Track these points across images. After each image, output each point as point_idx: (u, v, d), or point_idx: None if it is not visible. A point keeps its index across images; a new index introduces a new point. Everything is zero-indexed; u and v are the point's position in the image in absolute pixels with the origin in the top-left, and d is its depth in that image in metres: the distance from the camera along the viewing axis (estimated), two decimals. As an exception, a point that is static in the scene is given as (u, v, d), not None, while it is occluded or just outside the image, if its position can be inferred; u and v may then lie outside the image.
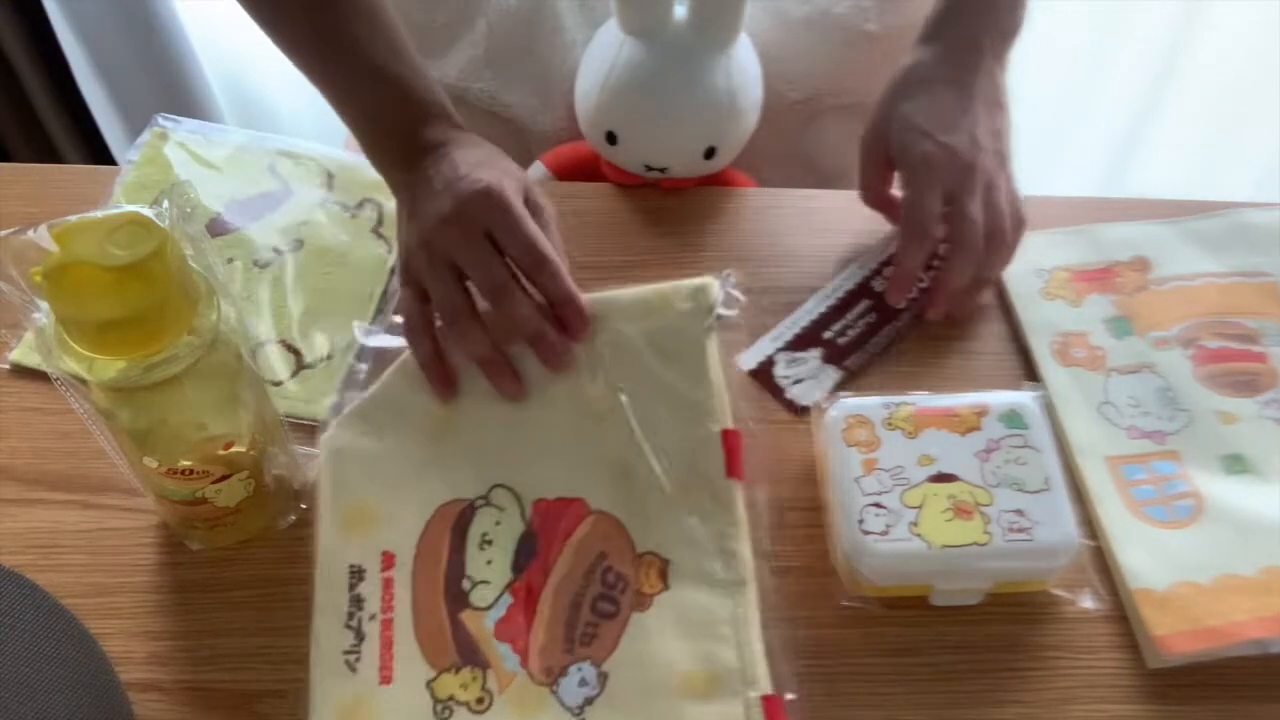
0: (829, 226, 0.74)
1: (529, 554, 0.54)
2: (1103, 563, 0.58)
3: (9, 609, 0.47)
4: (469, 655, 0.52)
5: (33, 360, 0.64)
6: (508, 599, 0.53)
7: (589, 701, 0.50)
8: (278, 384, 0.65)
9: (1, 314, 0.48)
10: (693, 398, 0.56)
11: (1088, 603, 0.56)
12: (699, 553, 0.53)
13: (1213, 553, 0.57)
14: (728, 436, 0.55)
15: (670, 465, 0.55)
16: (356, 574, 0.54)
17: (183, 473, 0.52)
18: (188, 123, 0.79)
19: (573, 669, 0.51)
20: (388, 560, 0.54)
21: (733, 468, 0.55)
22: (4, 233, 0.45)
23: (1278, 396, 0.64)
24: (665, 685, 0.50)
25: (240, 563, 0.57)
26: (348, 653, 0.52)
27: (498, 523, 0.55)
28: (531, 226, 0.56)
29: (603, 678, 0.51)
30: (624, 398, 0.56)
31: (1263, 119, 1.31)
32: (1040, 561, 0.54)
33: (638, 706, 0.50)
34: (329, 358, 0.66)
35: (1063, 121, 1.39)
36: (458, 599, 0.53)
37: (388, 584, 0.54)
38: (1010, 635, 0.55)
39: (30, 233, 0.44)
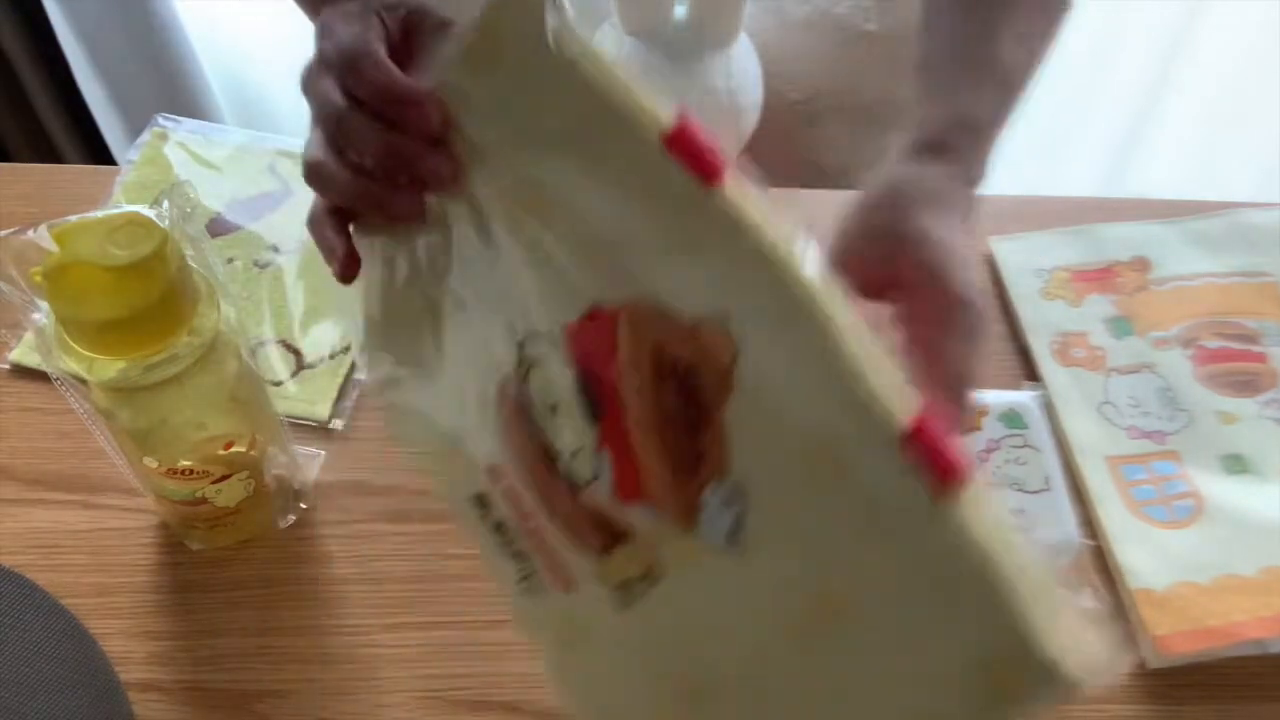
0: (829, 227, 0.74)
1: (593, 395, 0.45)
2: (1103, 563, 0.58)
3: (9, 609, 0.47)
4: (613, 532, 0.45)
5: (33, 360, 0.64)
6: (606, 456, 0.45)
7: (739, 522, 0.41)
8: (278, 384, 0.65)
9: (1, 314, 0.48)
10: (598, 123, 0.42)
11: (1088, 603, 0.56)
12: (743, 286, 0.40)
13: (1213, 553, 0.57)
14: (674, 140, 0.40)
15: (633, 215, 0.42)
16: (482, 503, 0.49)
17: (183, 473, 0.52)
18: (188, 123, 0.79)
19: (706, 496, 0.42)
20: (497, 474, 0.48)
21: (705, 170, 0.40)
22: (4, 233, 0.45)
23: (1278, 396, 0.64)
24: (797, 472, 0.39)
25: (240, 563, 0.57)
26: (523, 579, 0.47)
27: (548, 380, 0.46)
28: (345, 28, 0.46)
29: (738, 490, 0.41)
30: (531, 177, 0.44)
31: (1263, 119, 1.31)
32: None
33: (789, 508, 0.40)
34: (329, 358, 0.66)
35: (1063, 121, 1.40)
36: (570, 484, 0.46)
37: (512, 495, 0.47)
38: (1010, 635, 0.56)
39: (30, 233, 0.44)
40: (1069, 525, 0.54)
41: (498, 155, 0.45)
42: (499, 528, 0.48)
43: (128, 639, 0.55)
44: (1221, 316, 0.68)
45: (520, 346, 0.46)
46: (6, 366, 0.65)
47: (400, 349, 0.51)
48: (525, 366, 0.46)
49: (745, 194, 0.40)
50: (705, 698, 0.45)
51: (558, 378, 0.45)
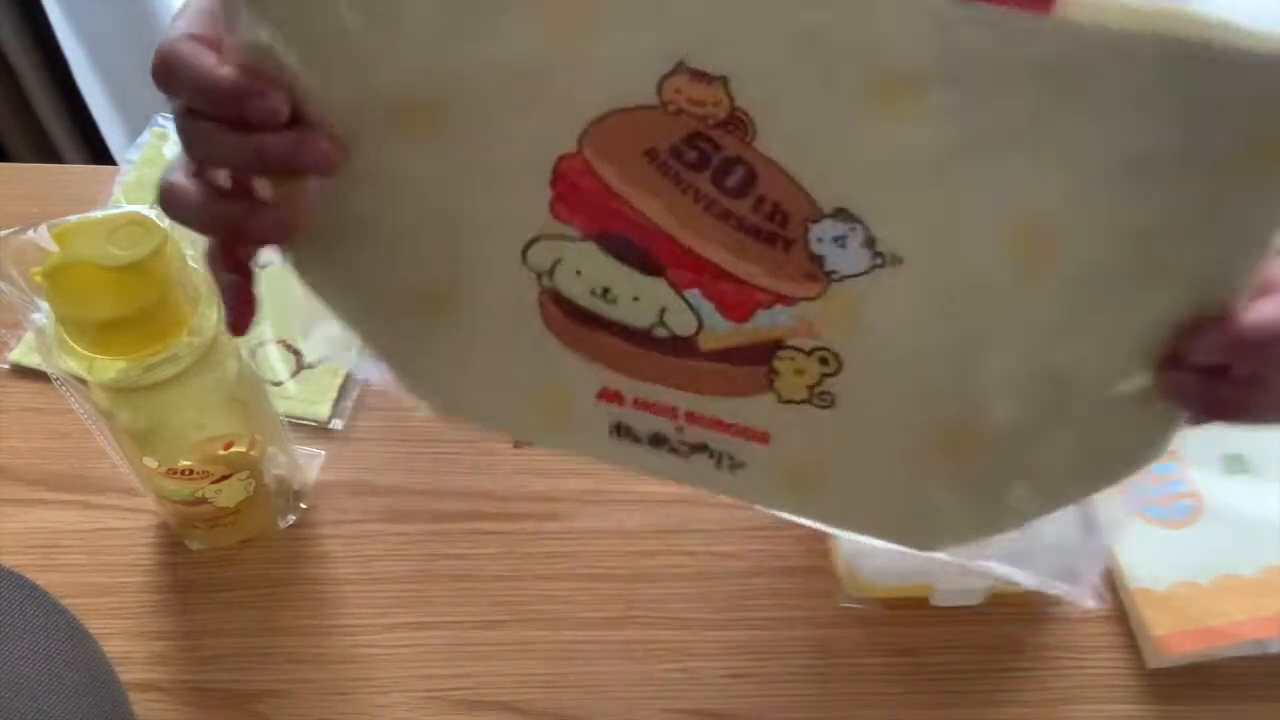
0: None
1: (632, 250, 0.39)
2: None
3: (9, 609, 0.47)
4: (760, 355, 0.40)
5: (33, 360, 0.64)
6: (694, 294, 0.39)
7: (869, 239, 0.36)
8: (278, 384, 0.65)
9: (1, 314, 0.48)
10: None
11: (1088, 603, 0.56)
12: (672, 8, 0.34)
13: (1213, 553, 0.57)
14: None
15: (511, 33, 0.35)
16: (623, 431, 0.44)
17: (183, 473, 0.52)
18: (188, 123, 0.79)
19: (814, 243, 0.36)
20: (613, 395, 0.43)
21: None
22: (4, 233, 0.45)
23: (1278, 396, 0.64)
24: (873, 123, 0.34)
25: (240, 563, 0.57)
26: (719, 465, 0.43)
27: (579, 270, 0.40)
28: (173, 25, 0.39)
29: (841, 212, 0.35)
30: (401, 95, 0.37)
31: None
32: (1040, 561, 0.54)
33: (907, 183, 0.35)
34: (330, 358, 0.66)
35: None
36: (680, 345, 0.41)
37: (644, 405, 0.43)
38: (1010, 635, 0.55)
39: (30, 233, 0.44)
40: (1069, 525, 0.54)
41: (353, 96, 0.37)
42: (658, 440, 0.44)
43: (128, 639, 0.55)
44: (1221, 316, 0.68)
45: (524, 261, 0.41)
46: (6, 366, 0.65)
47: (411, 342, 0.45)
48: (546, 275, 0.41)
49: None
50: (959, 434, 0.40)
51: (587, 261, 0.40)
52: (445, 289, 0.42)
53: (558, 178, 0.38)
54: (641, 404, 0.43)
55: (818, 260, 0.37)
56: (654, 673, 0.54)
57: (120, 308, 0.44)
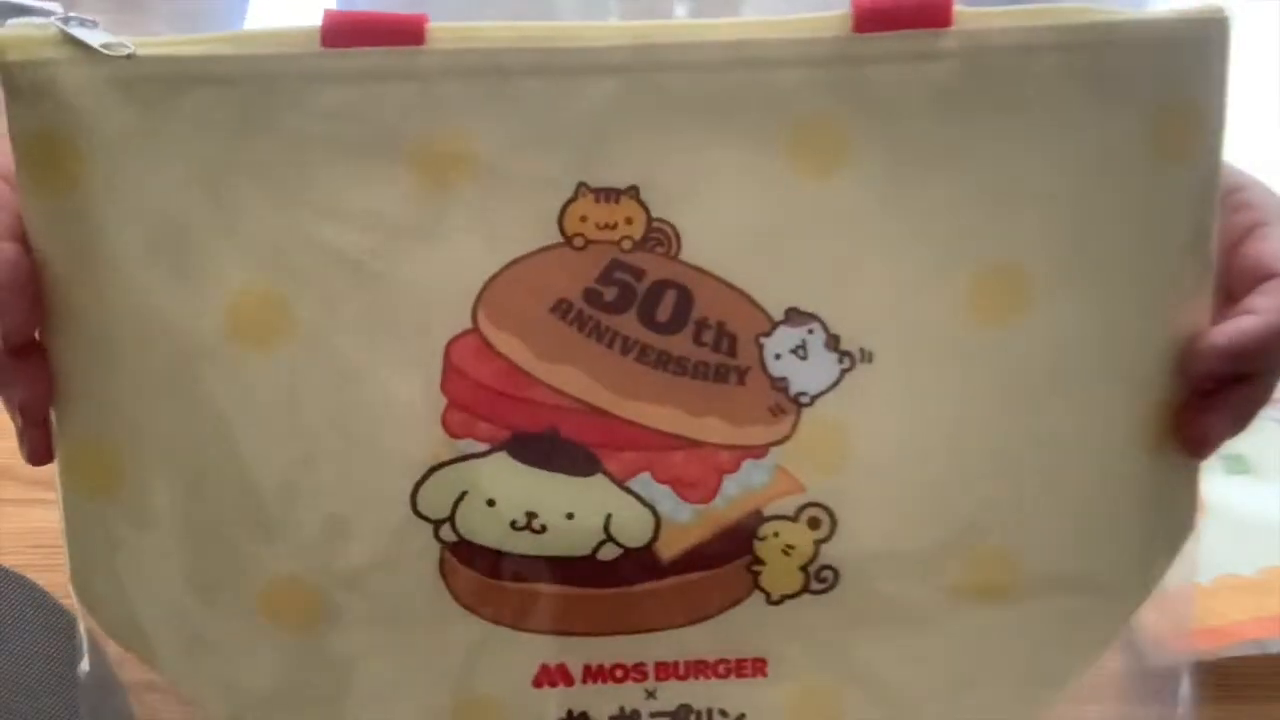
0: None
1: (554, 447, 0.31)
2: (1103, 563, 0.58)
3: (10, 609, 0.47)
4: (737, 547, 0.33)
5: (33, 360, 0.64)
6: (644, 480, 0.32)
7: (832, 341, 0.31)
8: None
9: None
10: (247, 105, 0.31)
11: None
12: (560, 117, 0.29)
13: (1213, 553, 0.57)
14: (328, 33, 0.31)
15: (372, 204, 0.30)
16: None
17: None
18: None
19: (770, 360, 0.31)
20: (557, 675, 0.34)
21: (409, 28, 0.30)
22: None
23: (1278, 396, 0.64)
24: (798, 210, 0.31)
25: (240, 563, 0.57)
26: None
27: (491, 501, 0.32)
28: None
29: (793, 314, 0.31)
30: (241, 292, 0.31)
31: (1262, 119, 1.32)
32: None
33: (850, 264, 0.31)
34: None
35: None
36: (637, 564, 0.33)
37: (598, 674, 0.34)
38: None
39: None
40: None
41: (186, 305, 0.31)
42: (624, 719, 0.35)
43: (128, 639, 0.54)
44: (1221, 316, 0.68)
45: (415, 510, 0.32)
46: (6, 366, 0.65)
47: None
48: (447, 523, 0.32)
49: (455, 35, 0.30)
50: (990, 564, 0.34)
51: (501, 482, 0.32)
52: (301, 586, 0.33)
53: (449, 373, 0.31)
54: (596, 673, 0.34)
55: (781, 385, 0.31)
56: (654, 673, 0.54)
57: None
